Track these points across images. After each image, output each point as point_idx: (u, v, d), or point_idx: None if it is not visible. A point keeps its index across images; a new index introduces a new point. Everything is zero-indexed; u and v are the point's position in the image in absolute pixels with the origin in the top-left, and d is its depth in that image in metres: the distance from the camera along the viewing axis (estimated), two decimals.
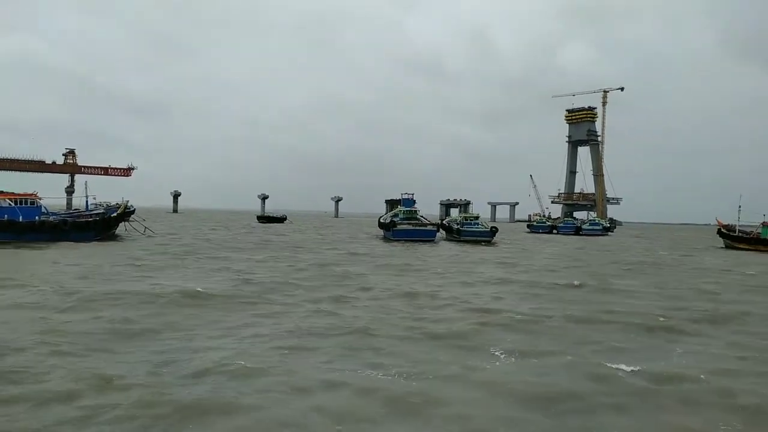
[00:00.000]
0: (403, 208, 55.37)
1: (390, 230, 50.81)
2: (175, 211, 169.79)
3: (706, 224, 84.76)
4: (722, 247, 54.27)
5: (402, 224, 50.85)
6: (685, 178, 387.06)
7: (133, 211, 44.49)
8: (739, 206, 55.52)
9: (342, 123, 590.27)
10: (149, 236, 41.03)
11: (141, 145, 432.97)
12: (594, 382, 8.23)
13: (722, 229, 57.45)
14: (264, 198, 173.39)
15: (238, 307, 13.42)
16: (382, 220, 58.58)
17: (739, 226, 55.53)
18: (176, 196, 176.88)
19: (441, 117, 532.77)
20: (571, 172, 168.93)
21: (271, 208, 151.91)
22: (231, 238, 45.35)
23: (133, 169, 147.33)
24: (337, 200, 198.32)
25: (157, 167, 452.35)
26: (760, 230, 51.71)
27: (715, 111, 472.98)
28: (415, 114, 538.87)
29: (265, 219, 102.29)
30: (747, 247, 51.31)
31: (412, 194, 56.98)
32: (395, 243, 45.63)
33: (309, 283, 18.06)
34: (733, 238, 54.46)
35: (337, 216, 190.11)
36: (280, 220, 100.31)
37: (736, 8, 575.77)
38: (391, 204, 77.85)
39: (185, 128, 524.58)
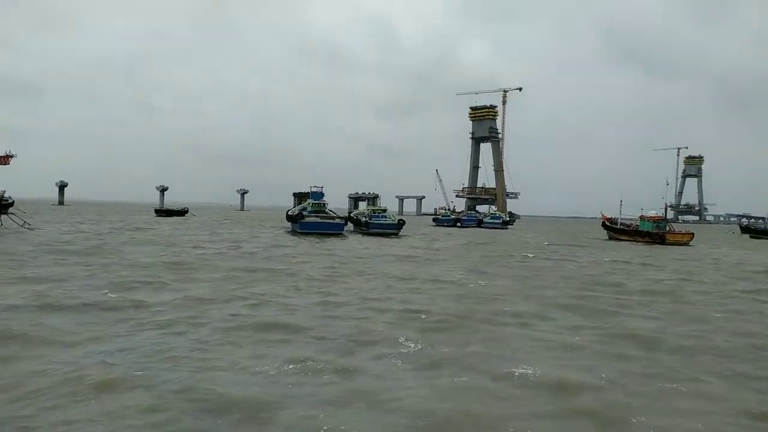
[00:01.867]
0: (311, 201, 54.92)
1: (297, 223, 50.32)
2: (61, 203, 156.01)
3: (593, 217, 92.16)
4: (606, 239, 59.15)
5: (309, 217, 50.59)
6: (576, 174, 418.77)
7: (12, 203, 40.19)
8: (621, 201, 61.14)
9: (244, 111, 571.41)
10: (29, 229, 37.25)
11: (21, 131, 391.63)
12: None
13: (606, 222, 62.62)
14: (163, 190, 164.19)
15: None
16: (290, 213, 57.83)
17: (621, 219, 60.91)
18: (62, 186, 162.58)
19: (346, 108, 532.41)
20: (474, 168, 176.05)
21: (171, 201, 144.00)
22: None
23: (12, 156, 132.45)
24: (243, 193, 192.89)
25: (41, 155, 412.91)
26: (638, 223, 56.99)
27: (601, 110, 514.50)
28: (321, 104, 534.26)
29: (164, 212, 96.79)
30: (627, 238, 56.28)
31: (321, 187, 56.73)
32: (302, 236, 45.20)
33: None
34: (615, 230, 59.51)
35: (242, 209, 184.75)
36: (181, 213, 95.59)
37: (617, 12, 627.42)
38: (300, 197, 76.74)
39: (69, 113, 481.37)
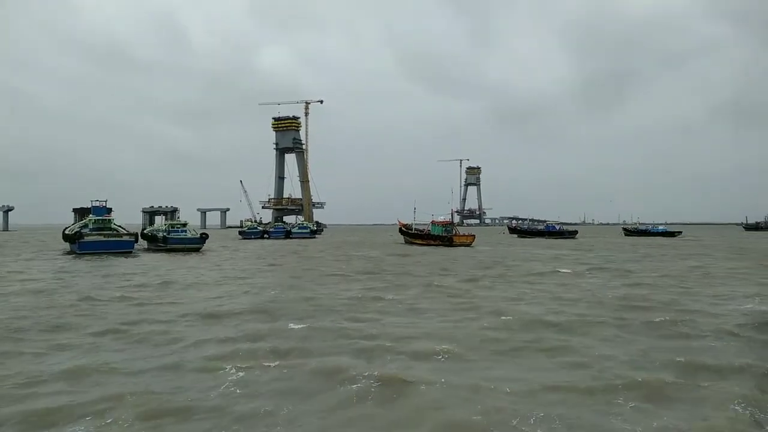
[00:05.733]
0: (93, 217, 48.87)
1: (76, 243, 44.02)
2: None
3: (393, 224, 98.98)
4: (403, 243, 63.75)
5: (91, 236, 44.83)
6: (376, 183, 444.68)
7: None
8: (414, 208, 66.84)
9: (2, 114, 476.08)
10: None
11: None
12: None
13: (402, 228, 67.60)
14: None
15: None
16: (67, 232, 50.44)
17: (415, 224, 66.36)
18: None
19: (134, 112, 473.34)
20: (280, 178, 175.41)
21: None
22: None
23: None
24: (7, 210, 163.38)
25: None
26: (430, 228, 62.62)
27: (396, 123, 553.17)
28: (102, 107, 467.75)
29: None
30: (421, 242, 61.41)
31: (105, 201, 51.13)
32: (84, 257, 39.64)
33: None
34: (411, 235, 64.54)
35: (6, 229, 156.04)
36: None
37: (408, 31, 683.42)
38: (81, 213, 67.93)
39: None
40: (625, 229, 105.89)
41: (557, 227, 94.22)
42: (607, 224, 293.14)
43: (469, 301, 17.34)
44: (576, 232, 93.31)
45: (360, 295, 18.42)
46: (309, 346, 10.94)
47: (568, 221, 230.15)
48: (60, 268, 31.05)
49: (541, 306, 16.12)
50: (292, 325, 13.10)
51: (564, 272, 27.02)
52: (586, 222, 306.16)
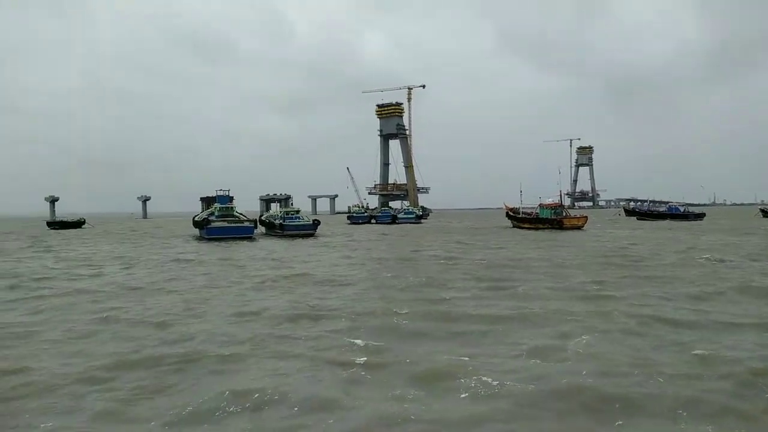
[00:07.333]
0: (218, 205, 53.41)
1: (204, 229, 48.74)
2: None
3: (498, 208, 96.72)
4: (510, 227, 62.17)
5: (216, 222, 49.28)
6: (481, 167, 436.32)
7: None
8: (521, 191, 64.74)
9: (125, 112, 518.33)
10: None
11: None
12: None
13: (509, 212, 65.85)
14: (53, 200, 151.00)
15: None
16: (196, 219, 55.75)
17: (522, 208, 64.36)
18: None
19: (240, 105, 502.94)
20: (385, 164, 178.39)
21: (63, 212, 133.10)
22: None
23: None
24: (145, 200, 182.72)
25: None
26: (537, 211, 60.46)
27: (500, 105, 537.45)
28: (210, 101, 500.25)
29: (57, 225, 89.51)
30: (529, 226, 59.49)
31: (228, 190, 55.53)
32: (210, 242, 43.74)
33: None
34: (518, 219, 62.73)
35: (145, 217, 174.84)
36: (77, 224, 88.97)
37: (512, 11, 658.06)
38: (207, 201, 74.47)
39: None
40: (763, 211, 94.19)
41: (681, 209, 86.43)
42: (741, 204, 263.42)
43: None
44: (703, 214, 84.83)
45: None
46: None
47: (694, 202, 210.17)
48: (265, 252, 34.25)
49: None
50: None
51: None
52: (717, 202, 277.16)
